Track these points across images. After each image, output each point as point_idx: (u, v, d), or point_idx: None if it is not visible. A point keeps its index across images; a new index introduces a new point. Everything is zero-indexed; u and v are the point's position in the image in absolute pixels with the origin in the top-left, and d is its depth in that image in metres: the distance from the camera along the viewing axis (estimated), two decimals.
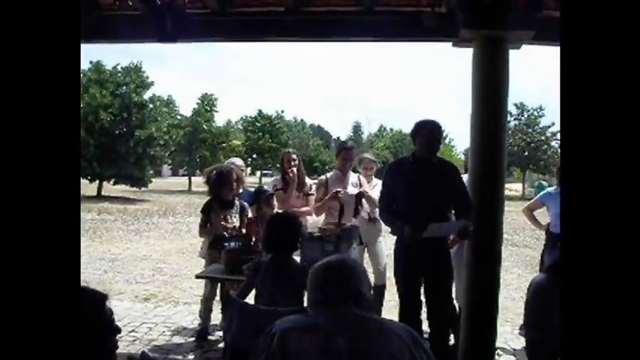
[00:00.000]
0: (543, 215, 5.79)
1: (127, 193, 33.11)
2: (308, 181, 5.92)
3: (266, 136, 52.45)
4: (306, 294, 2.18)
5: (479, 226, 4.37)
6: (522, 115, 51.34)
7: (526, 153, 49.20)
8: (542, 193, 5.84)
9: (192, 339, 5.47)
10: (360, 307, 2.02)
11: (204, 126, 46.52)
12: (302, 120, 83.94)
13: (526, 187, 49.78)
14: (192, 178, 43.20)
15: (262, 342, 1.94)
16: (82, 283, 1.89)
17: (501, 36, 4.38)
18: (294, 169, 5.76)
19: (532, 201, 6.05)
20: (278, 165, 6.24)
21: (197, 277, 5.01)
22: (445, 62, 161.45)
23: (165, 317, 6.23)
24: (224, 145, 47.94)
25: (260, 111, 55.63)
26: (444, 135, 74.09)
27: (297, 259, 4.60)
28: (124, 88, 32.92)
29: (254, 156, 52.41)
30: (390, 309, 5.91)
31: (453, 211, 4.59)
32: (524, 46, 4.74)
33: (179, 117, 47.18)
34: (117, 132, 31.77)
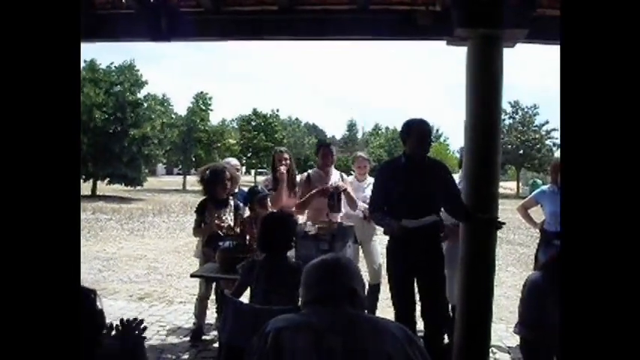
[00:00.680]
0: (538, 213, 5.80)
1: (122, 192, 33.06)
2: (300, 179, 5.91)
3: (261, 135, 52.41)
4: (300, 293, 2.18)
5: (473, 224, 4.38)
6: (517, 114, 51.52)
7: (521, 151, 49.35)
8: (536, 191, 5.84)
9: (187, 338, 5.46)
10: (354, 306, 2.03)
11: (199, 125, 46.49)
12: (297, 119, 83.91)
13: (520, 186, 49.91)
14: (187, 177, 43.16)
15: (256, 341, 1.94)
16: None
17: (496, 34, 4.38)
18: (282, 168, 5.75)
19: (526, 199, 6.05)
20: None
21: (192, 276, 5.00)
22: (440, 60, 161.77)
23: (159, 316, 6.22)
24: (219, 144, 47.91)
25: (255, 110, 55.60)
26: (439, 133, 74.54)
27: (293, 256, 4.63)
28: (118, 87, 32.85)
29: (249, 155, 52.39)
30: (385, 308, 5.92)
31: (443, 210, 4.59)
32: (518, 45, 4.75)
33: (173, 116, 47.08)
34: (111, 131, 31.67)
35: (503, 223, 4.32)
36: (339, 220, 5.31)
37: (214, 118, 63.04)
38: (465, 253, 4.46)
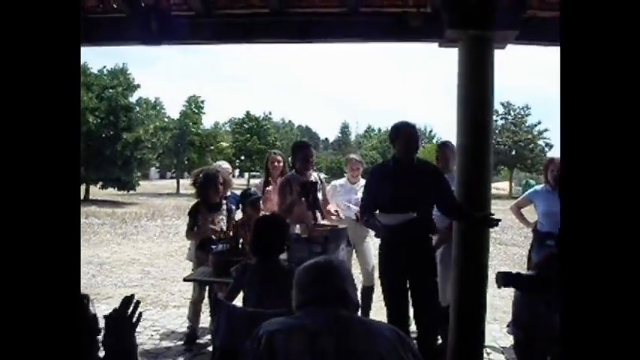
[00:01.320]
0: (531, 213, 5.82)
1: (115, 196, 32.95)
2: None
3: (254, 138, 52.40)
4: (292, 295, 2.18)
5: (467, 224, 4.39)
6: (509, 114, 51.69)
7: (513, 152, 49.53)
8: (529, 190, 5.86)
9: (181, 342, 5.44)
10: (346, 308, 2.03)
11: (192, 128, 46.44)
12: (290, 121, 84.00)
13: (513, 186, 50.05)
14: (181, 181, 43.06)
15: (249, 345, 1.94)
16: None
17: (486, 36, 4.39)
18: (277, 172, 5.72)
19: (519, 199, 6.07)
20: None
21: (185, 280, 4.99)
22: (437, 61, 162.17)
23: (153, 321, 6.20)
24: (212, 147, 47.87)
25: (248, 112, 55.62)
26: (433, 134, 74.80)
27: (286, 259, 4.62)
28: (111, 90, 32.73)
29: (242, 158, 52.36)
30: (379, 309, 5.92)
31: (435, 211, 4.60)
32: (509, 46, 4.77)
33: (166, 119, 47.03)
34: (104, 135, 31.54)
35: (499, 220, 4.32)
36: (320, 220, 5.24)
37: (207, 122, 63.16)
38: (458, 254, 4.47)
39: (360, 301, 5.85)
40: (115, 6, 4.85)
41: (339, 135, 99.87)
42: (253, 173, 53.63)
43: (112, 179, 32.60)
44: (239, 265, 3.87)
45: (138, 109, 34.90)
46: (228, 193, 5.68)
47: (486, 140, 4.50)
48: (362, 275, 6.01)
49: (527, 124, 51.16)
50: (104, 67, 34.15)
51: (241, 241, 5.01)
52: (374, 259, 5.75)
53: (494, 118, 46.43)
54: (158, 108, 46.60)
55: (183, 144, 45.94)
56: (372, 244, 6.02)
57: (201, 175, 5.35)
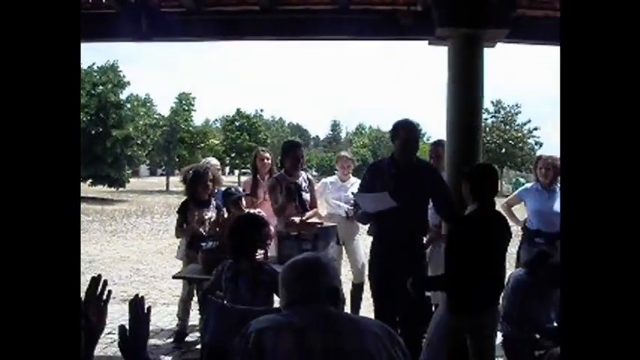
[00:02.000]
0: (523, 212, 5.84)
1: (105, 193, 32.81)
2: None
3: (244, 135, 52.26)
4: (276, 294, 2.18)
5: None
6: (499, 113, 51.81)
7: (503, 150, 49.64)
8: (520, 188, 5.89)
9: (171, 340, 5.44)
10: (335, 305, 2.03)
11: (182, 125, 46.28)
12: (280, 118, 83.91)
13: (504, 184, 50.24)
14: (171, 178, 42.91)
15: (238, 342, 1.93)
16: None
17: (476, 34, 4.41)
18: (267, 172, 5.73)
19: (510, 196, 6.11)
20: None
21: (174, 277, 4.98)
22: (424, 60, 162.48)
23: None
24: (202, 144, 47.74)
25: (238, 110, 55.47)
26: (423, 132, 74.83)
27: (276, 257, 4.63)
28: (100, 87, 32.58)
29: (233, 155, 52.22)
30: (369, 307, 5.93)
31: (432, 210, 4.60)
32: (499, 44, 4.79)
33: (156, 116, 46.83)
34: (93, 132, 31.41)
35: None
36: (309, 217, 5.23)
37: (198, 119, 62.94)
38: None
39: (350, 299, 5.88)
40: (104, 1, 4.82)
41: (330, 132, 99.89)
42: (244, 171, 53.51)
43: (101, 176, 32.46)
44: (220, 263, 3.90)
45: (128, 106, 34.75)
46: (216, 191, 5.67)
47: (476, 138, 4.52)
48: (352, 273, 6.02)
49: (517, 123, 51.30)
50: (93, 63, 33.98)
51: None
52: (364, 257, 5.76)
53: (485, 116, 46.63)
54: (148, 105, 46.34)
55: (174, 141, 45.78)
56: (362, 241, 6.03)
57: (190, 172, 5.33)
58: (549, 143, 49.82)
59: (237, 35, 5.26)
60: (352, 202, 5.84)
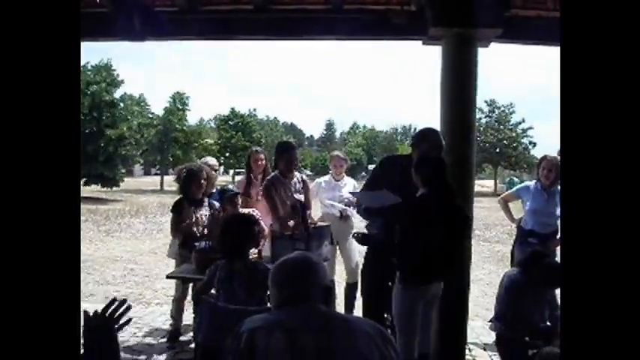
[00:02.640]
0: (519, 211, 5.86)
1: (98, 193, 32.74)
2: None
3: (239, 135, 52.24)
4: (268, 293, 2.17)
5: None
6: (493, 112, 51.90)
7: (497, 149, 49.73)
8: (520, 185, 5.90)
9: (164, 339, 5.42)
10: (327, 304, 2.03)
11: (177, 124, 46.20)
12: (275, 118, 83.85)
13: (498, 184, 50.36)
14: (165, 177, 42.84)
15: (230, 342, 1.93)
16: None
17: (470, 34, 4.42)
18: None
19: (509, 192, 6.12)
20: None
21: (168, 277, 4.97)
22: (418, 59, 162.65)
23: (136, 318, 6.15)
24: (196, 143, 47.68)
25: (233, 109, 55.46)
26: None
27: (270, 256, 4.62)
28: (94, 86, 32.50)
29: (227, 154, 52.18)
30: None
31: None
32: (493, 44, 4.80)
33: (150, 115, 46.76)
34: (87, 131, 31.33)
35: None
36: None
37: (192, 118, 62.85)
38: None
39: (344, 299, 5.87)
40: (97, 1, 4.80)
41: (324, 132, 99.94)
42: (238, 170, 53.52)
43: (95, 176, 32.40)
44: (213, 263, 3.89)
45: (122, 105, 34.69)
46: (213, 190, 5.66)
47: (469, 138, 4.53)
48: (346, 272, 6.02)
49: (511, 122, 51.40)
50: (87, 62, 33.89)
51: None
52: (358, 256, 5.76)
53: (479, 116, 46.68)
54: (142, 104, 46.30)
55: (168, 140, 45.72)
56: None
57: (184, 171, 5.32)
58: (540, 143, 50.27)
59: (230, 35, 5.25)
60: (346, 201, 5.86)
